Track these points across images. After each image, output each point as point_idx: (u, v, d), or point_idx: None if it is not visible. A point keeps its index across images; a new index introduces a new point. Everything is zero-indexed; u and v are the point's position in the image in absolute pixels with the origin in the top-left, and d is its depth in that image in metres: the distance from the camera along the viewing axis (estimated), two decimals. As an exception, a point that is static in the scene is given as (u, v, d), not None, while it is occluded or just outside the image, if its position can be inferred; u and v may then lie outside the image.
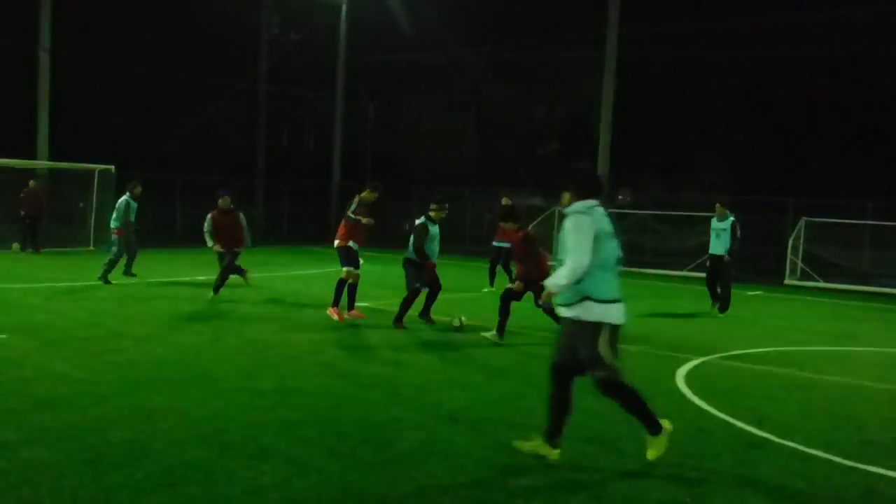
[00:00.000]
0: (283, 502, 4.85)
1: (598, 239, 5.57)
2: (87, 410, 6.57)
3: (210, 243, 13.72)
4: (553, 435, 5.78)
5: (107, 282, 15.14)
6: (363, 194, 11.86)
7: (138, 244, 16.70)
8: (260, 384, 7.75)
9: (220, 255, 13.79)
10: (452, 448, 5.97)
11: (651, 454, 5.72)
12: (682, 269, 23.34)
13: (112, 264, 15.41)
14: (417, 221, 11.76)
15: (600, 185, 5.97)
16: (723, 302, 14.78)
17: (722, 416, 7.27)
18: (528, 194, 31.29)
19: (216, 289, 13.50)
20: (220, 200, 13.84)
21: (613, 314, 5.62)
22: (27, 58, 26.07)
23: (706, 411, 7.46)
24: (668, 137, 37.46)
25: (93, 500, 4.76)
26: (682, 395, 8.07)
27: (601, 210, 5.75)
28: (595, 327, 5.57)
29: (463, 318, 11.63)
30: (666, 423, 5.77)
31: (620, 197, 37.80)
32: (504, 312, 10.66)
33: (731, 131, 36.15)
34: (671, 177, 39.10)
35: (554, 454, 5.75)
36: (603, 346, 5.55)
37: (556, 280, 5.61)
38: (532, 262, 10.54)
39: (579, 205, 5.71)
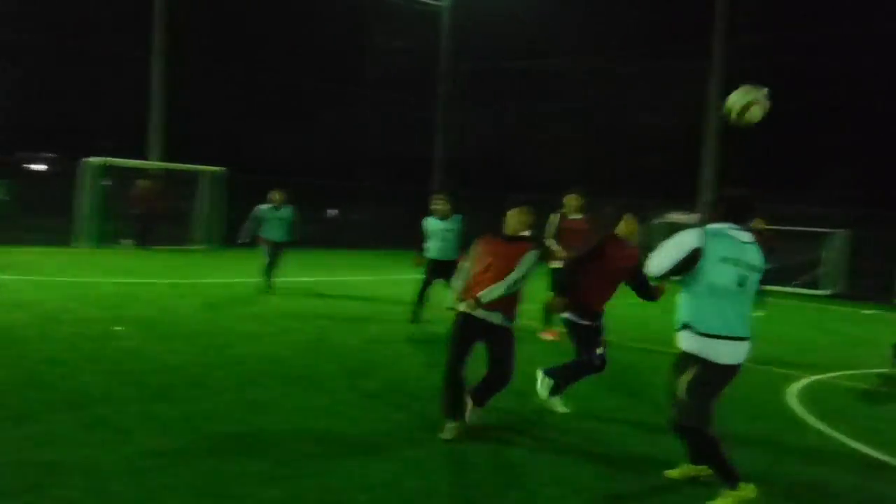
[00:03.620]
0: (388, 500, 4.91)
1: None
2: (201, 402, 6.77)
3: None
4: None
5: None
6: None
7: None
8: (366, 384, 7.86)
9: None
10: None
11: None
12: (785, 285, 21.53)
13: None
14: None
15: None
16: None
17: (839, 436, 6.99)
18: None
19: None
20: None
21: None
22: (144, 62, 27.01)
23: (822, 431, 7.18)
24: (784, 147, 36.19)
25: (211, 489, 4.90)
26: (795, 414, 7.80)
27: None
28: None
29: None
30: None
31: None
32: None
33: (854, 140, 34.41)
34: (785, 189, 37.78)
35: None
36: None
37: None
38: None
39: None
